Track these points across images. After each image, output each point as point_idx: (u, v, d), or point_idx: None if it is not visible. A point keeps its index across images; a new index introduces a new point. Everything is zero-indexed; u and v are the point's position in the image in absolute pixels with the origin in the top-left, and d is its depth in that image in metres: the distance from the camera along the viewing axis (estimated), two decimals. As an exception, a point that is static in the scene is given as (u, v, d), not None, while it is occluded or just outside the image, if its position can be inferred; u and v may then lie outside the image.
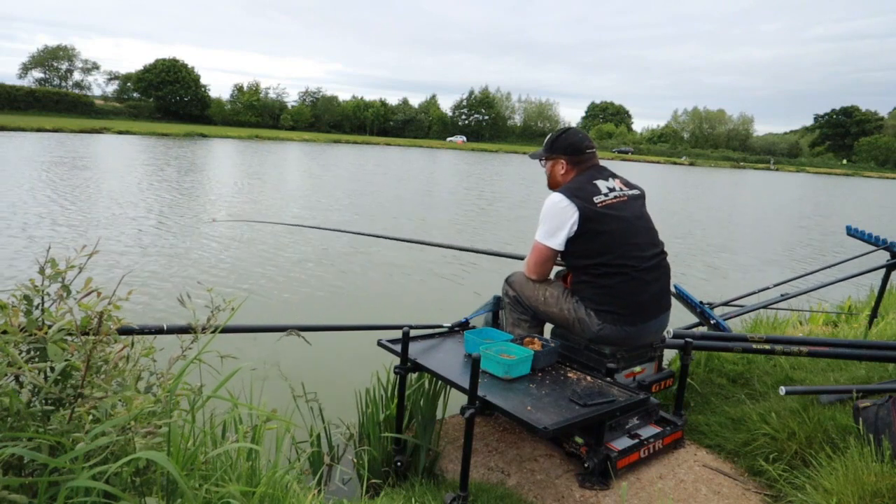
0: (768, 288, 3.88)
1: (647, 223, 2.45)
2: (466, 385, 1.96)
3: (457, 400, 2.23)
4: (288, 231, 9.68)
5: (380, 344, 2.44)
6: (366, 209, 13.10)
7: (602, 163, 2.55)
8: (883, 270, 3.67)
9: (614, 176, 2.49)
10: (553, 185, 2.54)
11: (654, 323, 2.41)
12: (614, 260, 2.30)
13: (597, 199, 2.33)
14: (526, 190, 21.12)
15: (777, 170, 69.07)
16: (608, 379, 2.26)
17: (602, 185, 2.39)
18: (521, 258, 2.92)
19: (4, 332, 1.14)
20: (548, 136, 2.61)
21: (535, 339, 2.40)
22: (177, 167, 20.19)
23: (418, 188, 19.26)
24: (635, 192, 2.47)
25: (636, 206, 2.43)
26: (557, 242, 2.34)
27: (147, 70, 64.06)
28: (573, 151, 2.49)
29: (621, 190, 2.42)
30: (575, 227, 2.29)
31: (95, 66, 68.68)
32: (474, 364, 1.91)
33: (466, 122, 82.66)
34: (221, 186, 15.79)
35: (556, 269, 2.86)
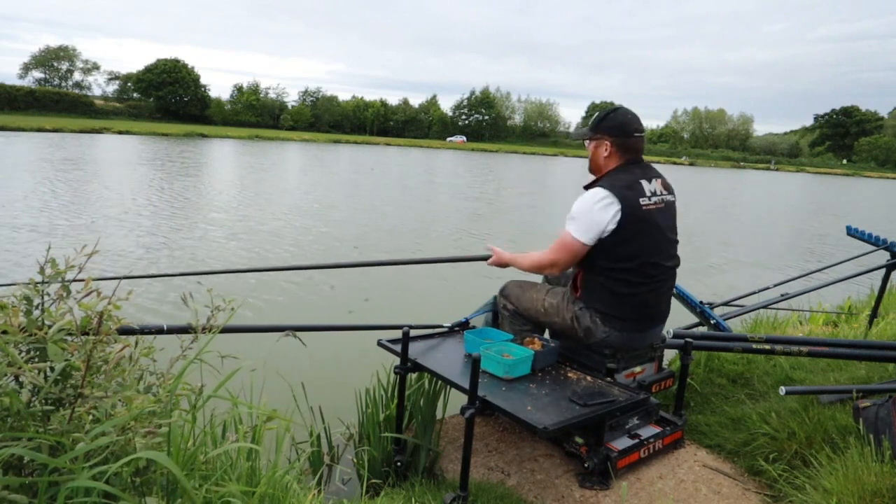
0: (768, 288, 3.88)
1: (674, 234, 2.37)
2: (466, 385, 1.96)
3: (457, 400, 2.22)
4: (288, 230, 9.67)
5: (380, 344, 2.44)
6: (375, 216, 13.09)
7: None
8: (883, 270, 3.67)
9: (658, 176, 2.35)
10: (595, 169, 2.38)
11: (658, 328, 2.42)
12: (639, 267, 2.22)
13: (642, 202, 2.21)
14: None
15: (777, 170, 69.00)
16: (608, 379, 2.26)
17: (647, 186, 2.27)
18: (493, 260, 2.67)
19: (4, 332, 1.13)
20: (595, 114, 2.40)
21: (535, 338, 2.40)
22: (176, 167, 20.17)
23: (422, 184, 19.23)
24: (671, 197, 2.36)
25: (669, 215, 2.34)
26: (590, 238, 2.19)
27: (147, 70, 63.94)
28: (620, 133, 2.30)
29: (661, 194, 2.30)
30: (612, 227, 2.16)
31: (95, 67, 68.67)
32: (474, 364, 1.91)
33: (466, 122, 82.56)
34: (221, 188, 15.79)
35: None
